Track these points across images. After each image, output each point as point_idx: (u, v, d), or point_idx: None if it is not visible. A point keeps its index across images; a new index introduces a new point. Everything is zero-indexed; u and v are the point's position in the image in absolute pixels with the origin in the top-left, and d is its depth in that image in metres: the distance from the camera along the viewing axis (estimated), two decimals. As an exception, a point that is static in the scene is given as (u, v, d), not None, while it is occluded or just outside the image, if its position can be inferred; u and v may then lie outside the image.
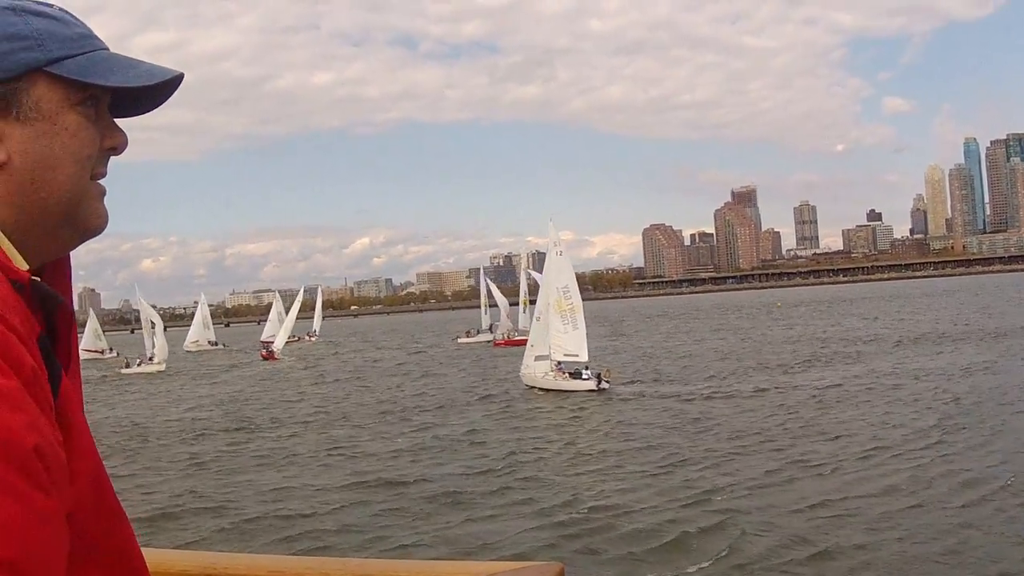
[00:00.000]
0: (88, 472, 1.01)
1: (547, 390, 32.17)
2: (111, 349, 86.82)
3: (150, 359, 59.70)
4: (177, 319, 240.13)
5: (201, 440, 25.68)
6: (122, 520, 1.11)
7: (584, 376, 31.89)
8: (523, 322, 65.04)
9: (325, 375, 49.08)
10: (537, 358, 33.65)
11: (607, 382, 31.47)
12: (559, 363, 32.82)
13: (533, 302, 68.45)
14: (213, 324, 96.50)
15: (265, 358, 65.64)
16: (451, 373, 44.96)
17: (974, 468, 16.20)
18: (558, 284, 33.83)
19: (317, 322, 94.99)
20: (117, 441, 25.71)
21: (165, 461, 22.37)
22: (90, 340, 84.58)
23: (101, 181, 1.12)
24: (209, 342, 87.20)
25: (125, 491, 18.55)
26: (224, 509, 16.54)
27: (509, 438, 22.95)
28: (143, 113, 1.16)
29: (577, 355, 32.72)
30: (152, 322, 62.33)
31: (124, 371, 58.74)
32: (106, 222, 1.13)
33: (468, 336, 77.42)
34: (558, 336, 33.10)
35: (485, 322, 79.69)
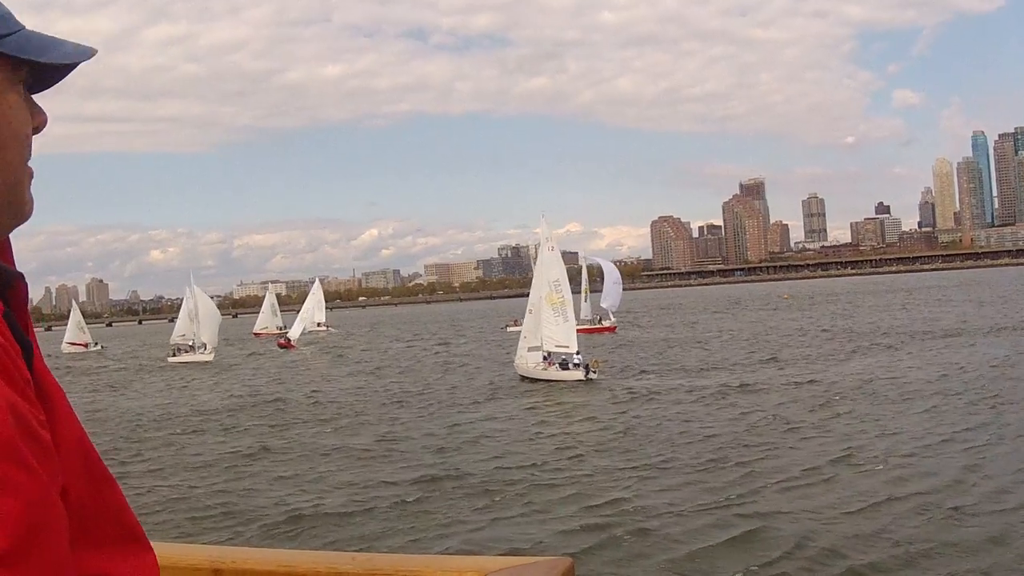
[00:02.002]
0: (72, 443, 1.01)
1: (538, 380, 33.09)
2: (96, 343, 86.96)
3: (201, 348, 60.37)
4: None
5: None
6: (112, 484, 1.11)
7: (573, 364, 32.88)
8: (584, 311, 64.90)
9: (383, 365, 49.41)
10: (530, 349, 34.62)
11: (595, 372, 32.37)
12: (547, 354, 33.79)
13: (596, 291, 69.51)
14: (221, 315, 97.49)
15: (283, 346, 68.90)
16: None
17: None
18: (549, 278, 34.70)
19: (321, 313, 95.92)
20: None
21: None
22: (73, 333, 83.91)
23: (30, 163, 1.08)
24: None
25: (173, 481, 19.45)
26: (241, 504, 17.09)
27: (512, 430, 23.34)
28: (40, 91, 1.12)
29: (567, 346, 33.69)
30: (196, 319, 62.91)
31: (171, 360, 59.45)
32: (32, 209, 1.10)
33: (516, 324, 79.23)
34: (549, 328, 34.03)
35: None
